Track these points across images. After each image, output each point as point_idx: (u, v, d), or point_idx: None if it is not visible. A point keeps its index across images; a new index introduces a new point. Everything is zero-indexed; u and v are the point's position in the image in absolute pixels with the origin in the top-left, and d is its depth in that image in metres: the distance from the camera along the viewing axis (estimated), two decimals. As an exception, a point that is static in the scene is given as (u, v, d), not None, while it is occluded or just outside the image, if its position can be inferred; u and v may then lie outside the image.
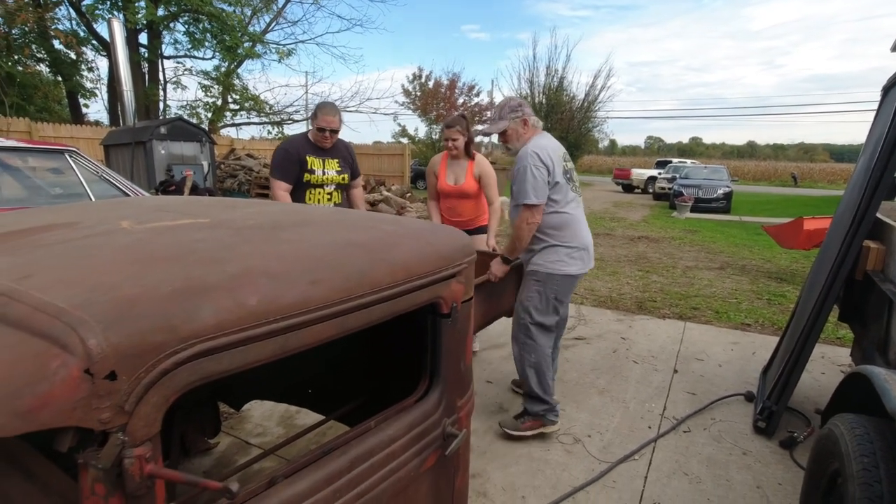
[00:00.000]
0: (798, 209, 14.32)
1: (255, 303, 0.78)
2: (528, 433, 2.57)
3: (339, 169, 3.07)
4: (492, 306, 2.71)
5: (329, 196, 3.08)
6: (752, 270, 6.76)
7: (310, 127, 3.06)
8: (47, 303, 0.69)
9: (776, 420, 2.70)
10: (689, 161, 21.64)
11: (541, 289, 2.50)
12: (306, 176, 2.96)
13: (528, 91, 25.48)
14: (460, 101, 21.66)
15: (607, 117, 28.94)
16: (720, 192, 14.76)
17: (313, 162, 2.97)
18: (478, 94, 22.71)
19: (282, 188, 2.91)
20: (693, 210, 13.78)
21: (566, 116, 24.88)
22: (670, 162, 20.77)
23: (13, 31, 10.35)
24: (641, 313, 4.83)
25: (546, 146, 2.46)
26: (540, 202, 2.39)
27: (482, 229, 3.41)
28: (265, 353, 0.80)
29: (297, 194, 2.99)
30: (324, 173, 3.01)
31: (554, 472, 2.36)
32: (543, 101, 25.26)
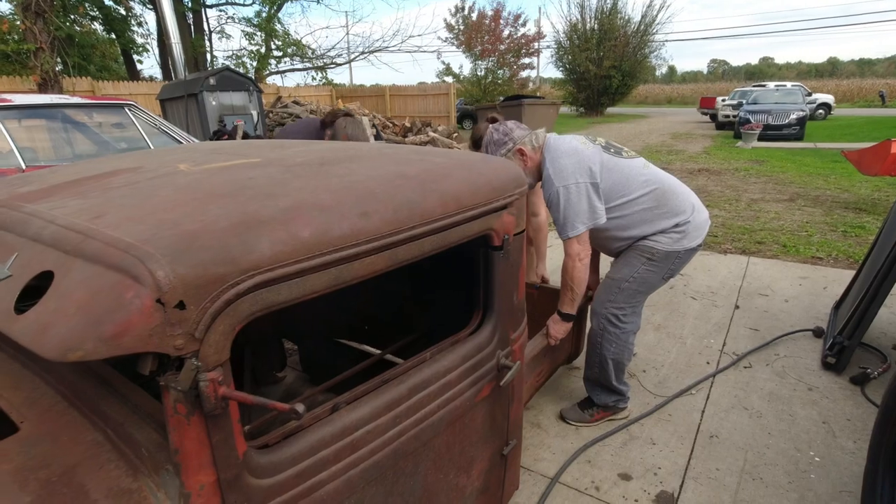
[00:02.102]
0: (885, 132, 12.91)
1: (307, 235, 0.79)
2: (596, 424, 2.27)
3: None
4: (545, 365, 2.27)
5: None
6: (827, 201, 6.25)
7: (326, 130, 2.89)
8: (118, 238, 0.72)
9: (848, 355, 2.57)
10: (788, 84, 18.86)
11: (653, 268, 2.04)
12: None
13: (579, 16, 23.76)
14: (506, 32, 20.50)
15: (666, 40, 26.64)
16: (793, 116, 13.44)
17: None
18: (524, 24, 21.37)
19: None
20: (761, 138, 12.71)
21: (620, 42, 23.11)
22: (764, 86, 18.16)
23: (65, -11, 10.62)
24: (700, 249, 4.63)
25: (566, 150, 1.97)
26: (590, 225, 1.93)
27: None
28: (320, 284, 0.82)
29: None
30: None
31: (607, 405, 2.38)
32: (595, 26, 23.51)
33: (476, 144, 2.44)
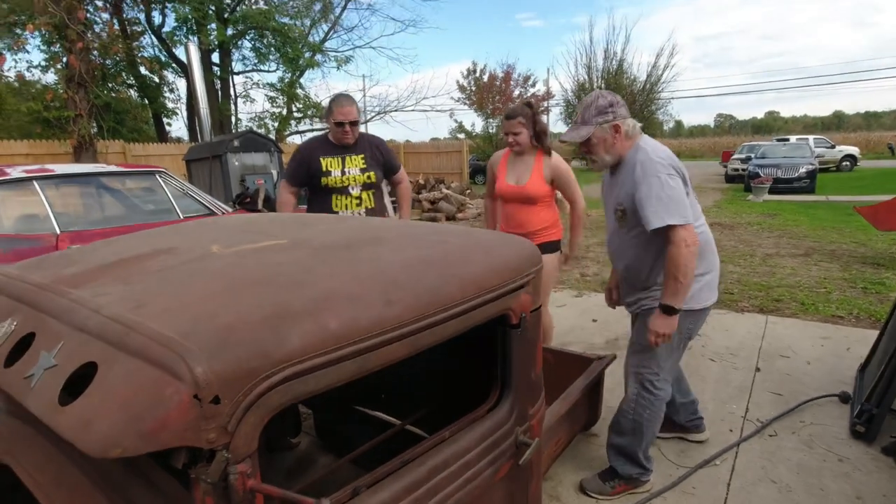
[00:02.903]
0: (897, 185, 12.90)
1: (336, 326, 0.83)
2: (617, 497, 2.15)
3: (363, 167, 2.72)
4: (564, 433, 2.20)
5: (358, 200, 2.74)
6: (844, 256, 6.19)
7: (327, 126, 2.76)
8: (159, 333, 0.77)
9: (878, 424, 2.47)
10: (810, 137, 19.08)
11: (677, 329, 1.93)
12: (323, 180, 2.67)
13: (586, 76, 24.69)
14: (516, 92, 21.36)
15: (672, 98, 27.41)
16: (803, 170, 13.57)
17: (329, 163, 2.67)
18: (534, 85, 22.30)
19: (286, 190, 2.76)
20: (772, 192, 12.78)
21: (627, 100, 23.72)
22: (788, 140, 18.41)
23: (107, 62, 11.43)
24: (717, 307, 4.57)
25: (665, 149, 1.94)
26: (690, 220, 1.82)
27: (551, 246, 2.79)
28: (345, 373, 0.85)
29: (321, 201, 2.72)
30: (343, 173, 2.68)
31: (629, 476, 2.30)
32: (602, 85, 24.35)
33: (507, 117, 2.71)
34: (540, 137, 2.70)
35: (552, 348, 2.64)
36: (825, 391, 2.97)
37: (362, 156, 2.74)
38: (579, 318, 4.35)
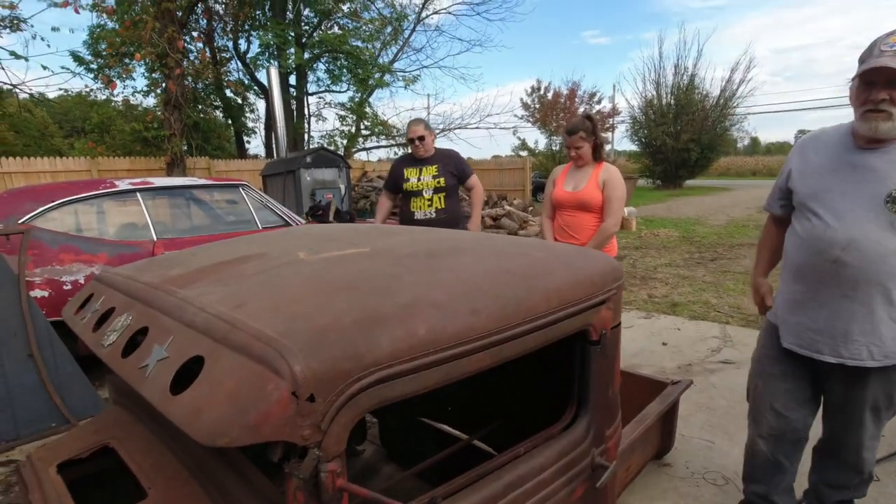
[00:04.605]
0: None
1: (424, 332, 0.84)
2: None
3: (435, 174, 3.32)
4: (635, 460, 2.08)
5: (430, 202, 3.34)
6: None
7: (403, 143, 3.65)
8: (260, 331, 0.81)
9: None
10: None
11: None
12: (405, 185, 3.34)
13: (654, 92, 23.92)
14: (580, 109, 21.05)
15: (748, 113, 25.93)
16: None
17: (409, 172, 3.34)
18: (599, 102, 21.88)
19: (383, 196, 3.54)
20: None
21: (699, 117, 22.82)
22: None
23: (198, 86, 12.50)
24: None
25: None
26: None
27: None
28: (432, 380, 0.86)
29: (404, 203, 3.41)
30: (419, 180, 3.32)
31: (707, 512, 2.15)
32: (672, 101, 23.50)
33: (569, 133, 2.75)
34: (597, 149, 2.80)
35: (622, 370, 2.53)
36: (940, 436, 2.63)
37: (436, 165, 3.34)
38: (648, 340, 4.16)
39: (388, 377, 0.80)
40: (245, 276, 1.14)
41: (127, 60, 10.22)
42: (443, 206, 3.34)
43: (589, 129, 2.74)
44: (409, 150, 3.43)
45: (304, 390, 0.73)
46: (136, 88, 16.25)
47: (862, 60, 1.41)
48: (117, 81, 10.48)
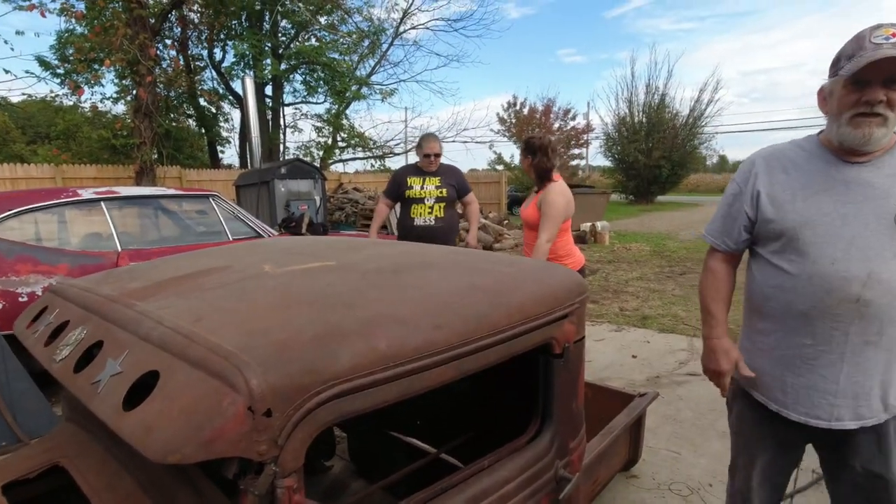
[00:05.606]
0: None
1: (384, 347, 0.84)
2: None
3: (438, 185, 3.51)
4: (601, 472, 2.07)
5: (430, 209, 3.52)
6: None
7: (417, 156, 3.64)
8: (218, 345, 0.80)
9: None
10: None
11: None
12: (407, 192, 3.49)
13: (627, 110, 24.60)
14: (556, 125, 21.49)
15: (716, 132, 26.90)
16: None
17: (413, 181, 3.52)
18: (574, 118, 22.38)
19: (381, 202, 3.67)
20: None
21: (669, 135, 23.56)
22: None
23: (171, 94, 12.30)
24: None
25: None
26: None
27: None
28: (392, 394, 0.86)
29: (405, 209, 3.55)
30: (422, 188, 3.51)
31: (673, 524, 2.18)
32: (644, 119, 24.20)
33: (528, 150, 2.83)
34: (537, 169, 2.83)
35: (590, 383, 2.57)
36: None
37: (439, 178, 3.55)
38: (618, 353, 4.22)
39: (347, 391, 0.80)
40: (207, 290, 1.12)
41: (96, 66, 9.99)
42: (442, 216, 3.53)
43: (529, 146, 2.85)
44: (417, 162, 3.61)
45: (260, 405, 0.72)
46: (104, 95, 15.84)
47: (848, 57, 1.18)
48: (85, 87, 10.22)
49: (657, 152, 23.24)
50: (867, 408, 1.25)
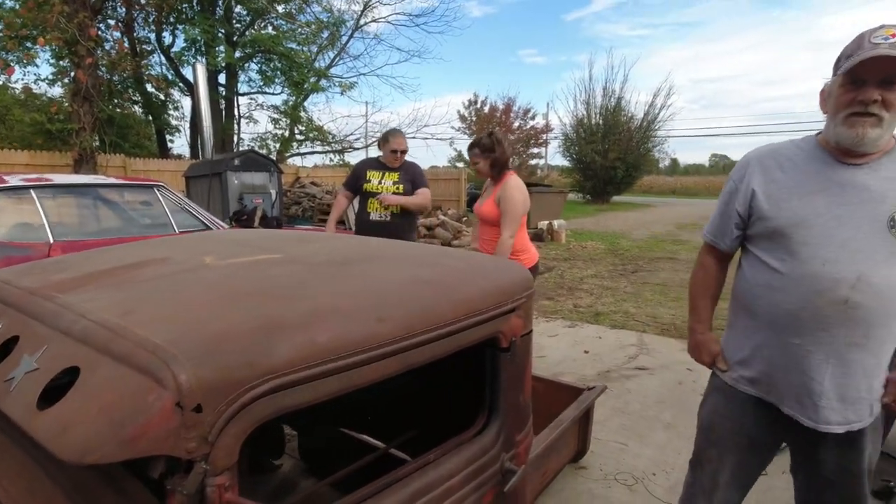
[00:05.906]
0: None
1: (325, 339, 0.82)
2: None
3: (396, 180, 3.50)
4: (551, 464, 2.10)
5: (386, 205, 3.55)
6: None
7: (380, 150, 3.61)
8: (145, 339, 0.76)
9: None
10: None
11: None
12: (365, 185, 3.48)
13: (585, 113, 25.23)
14: (516, 124, 21.79)
15: (668, 136, 28.00)
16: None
17: (372, 174, 3.51)
18: (533, 118, 22.78)
19: (341, 194, 3.64)
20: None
21: (624, 137, 24.35)
22: None
23: (114, 78, 11.61)
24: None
25: None
26: None
27: None
28: (333, 388, 0.84)
29: (362, 202, 3.56)
30: (380, 183, 3.48)
31: (617, 512, 2.25)
32: (600, 122, 24.89)
33: (469, 148, 2.95)
34: (495, 165, 2.89)
35: (541, 377, 2.62)
36: (817, 432, 2.93)
37: (398, 174, 3.52)
38: (572, 348, 4.33)
39: (285, 385, 0.77)
40: (141, 282, 1.06)
41: (29, 44, 9.31)
42: (397, 212, 3.49)
43: (486, 145, 2.84)
44: (380, 156, 3.58)
45: (189, 400, 0.69)
46: (39, 76, 14.80)
47: (847, 56, 1.17)
48: (16, 66, 9.49)
49: (613, 154, 23.96)
50: (854, 412, 1.25)
